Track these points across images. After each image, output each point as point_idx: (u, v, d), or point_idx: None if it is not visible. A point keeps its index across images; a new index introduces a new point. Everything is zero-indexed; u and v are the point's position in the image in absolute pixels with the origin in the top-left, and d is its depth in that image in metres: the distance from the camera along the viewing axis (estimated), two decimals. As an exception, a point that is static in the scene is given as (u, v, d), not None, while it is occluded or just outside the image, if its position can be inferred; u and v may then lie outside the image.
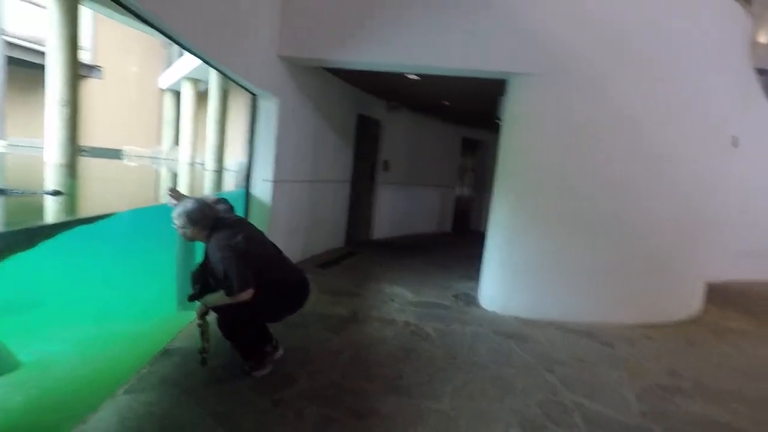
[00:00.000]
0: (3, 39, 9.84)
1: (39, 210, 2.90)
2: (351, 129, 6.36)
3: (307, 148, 5.26)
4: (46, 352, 3.39)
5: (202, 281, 2.62)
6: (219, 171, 8.50)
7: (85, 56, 12.25)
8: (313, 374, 2.71)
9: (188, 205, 2.50)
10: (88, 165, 8.44)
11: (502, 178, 4.28)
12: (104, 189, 5.00)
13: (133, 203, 4.18)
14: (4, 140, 9.99)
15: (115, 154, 12.98)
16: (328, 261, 5.53)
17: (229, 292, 2.35)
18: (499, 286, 4.24)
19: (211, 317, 2.58)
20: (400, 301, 4.30)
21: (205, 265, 2.60)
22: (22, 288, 3.93)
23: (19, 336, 3.40)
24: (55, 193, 3.02)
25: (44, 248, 2.97)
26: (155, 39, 12.20)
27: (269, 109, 4.55)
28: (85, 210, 3.30)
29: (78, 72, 5.60)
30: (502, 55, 3.96)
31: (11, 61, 9.85)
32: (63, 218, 2.86)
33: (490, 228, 4.38)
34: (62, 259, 4.04)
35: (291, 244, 5.01)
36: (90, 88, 12.47)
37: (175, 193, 2.80)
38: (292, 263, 2.86)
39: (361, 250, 6.42)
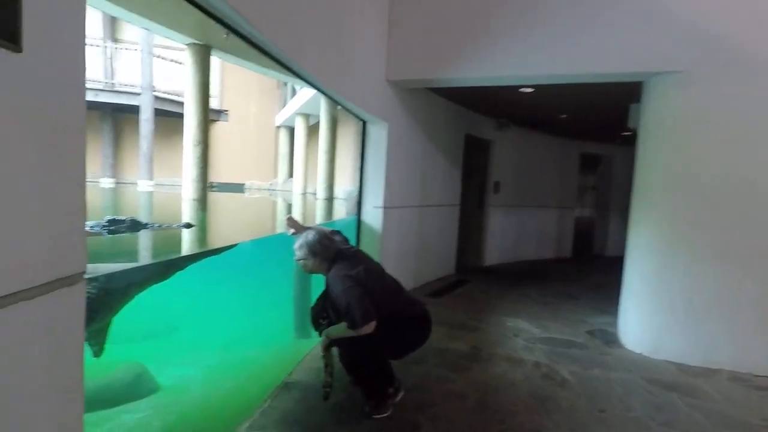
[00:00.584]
0: (153, 95, 11.52)
1: (175, 242, 3.12)
2: (459, 150, 6.11)
3: (416, 172, 5.12)
4: (181, 377, 3.58)
5: (324, 314, 2.54)
6: (329, 199, 8.78)
7: (214, 102, 13.86)
8: (435, 421, 2.42)
9: (309, 236, 2.45)
10: (216, 199, 9.32)
11: (642, 195, 3.66)
12: (229, 220, 5.41)
13: (254, 233, 4.40)
14: (152, 180, 11.52)
15: (238, 188, 14.25)
16: (439, 290, 5.26)
17: (351, 325, 2.21)
18: (648, 323, 3.56)
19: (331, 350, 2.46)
20: (526, 336, 3.84)
21: (325, 297, 2.51)
22: (161, 314, 4.26)
23: (158, 360, 3.63)
24: (187, 226, 3.25)
25: (183, 276, 3.15)
26: (272, 80, 13.34)
27: (378, 135, 4.51)
28: (212, 241, 3.53)
29: (208, 115, 6.18)
30: (640, 53, 3.43)
31: (157, 113, 11.47)
32: (194, 250, 3.03)
33: (630, 253, 3.75)
34: (192, 286, 4.32)
35: (402, 272, 4.84)
36: (218, 130, 14.01)
37: (292, 222, 2.79)
38: (412, 295, 2.65)
39: (473, 278, 6.03)
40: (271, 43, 2.30)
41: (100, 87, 11.53)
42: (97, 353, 2.58)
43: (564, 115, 6.14)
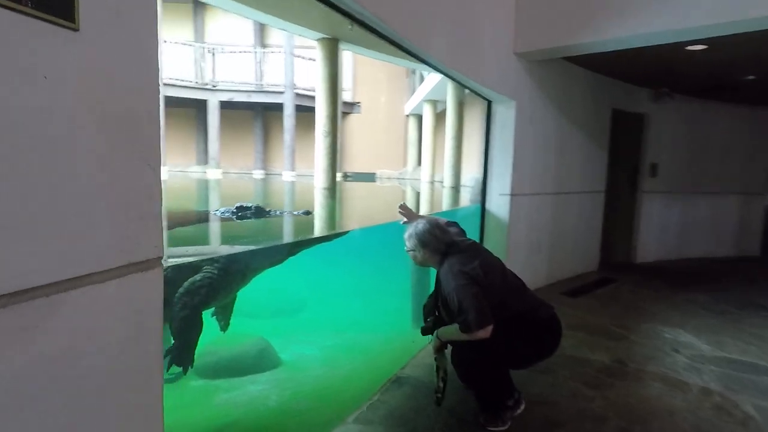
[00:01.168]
0: (293, 92, 12.51)
1: (292, 229, 3.23)
2: (604, 128, 5.28)
3: (550, 156, 4.55)
4: (301, 355, 3.74)
5: (435, 312, 2.33)
6: (456, 187, 8.49)
7: (346, 95, 14.50)
8: (565, 446, 2.04)
9: (419, 226, 2.26)
10: (348, 188, 9.74)
11: None
12: (353, 208, 5.57)
13: (373, 221, 4.43)
14: (294, 171, 12.58)
15: (370, 177, 14.77)
16: (577, 288, 4.62)
17: (464, 328, 1.96)
18: None
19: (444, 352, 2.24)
20: (691, 353, 3.11)
21: (436, 294, 2.30)
22: (291, 294, 4.51)
23: (283, 337, 3.84)
24: (306, 213, 3.34)
25: (306, 258, 3.27)
26: (400, 69, 13.45)
27: (505, 114, 4.09)
28: (327, 228, 3.60)
29: (338, 106, 6.39)
30: None
31: (298, 108, 12.44)
32: (306, 236, 3.10)
33: None
34: (318, 269, 4.48)
35: (532, 267, 4.37)
36: (351, 122, 14.67)
37: (406, 210, 2.62)
38: (538, 296, 2.28)
39: (621, 277, 5.19)
40: (391, 29, 2.23)
41: (252, 89, 12.96)
42: (224, 328, 2.78)
43: (752, 77, 4.85)
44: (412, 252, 2.31)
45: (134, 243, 0.96)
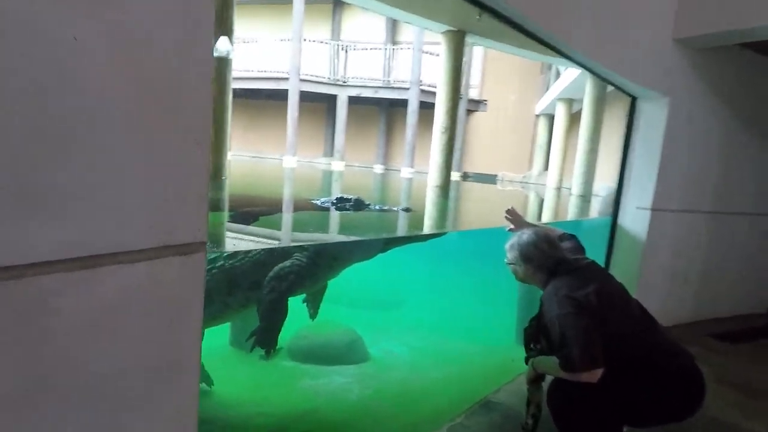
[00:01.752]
0: (419, 89, 12.50)
1: (387, 224, 3.10)
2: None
3: (711, 165, 3.71)
4: (389, 352, 3.62)
5: (537, 340, 1.98)
6: (585, 196, 7.61)
7: (473, 92, 14.03)
8: None
9: (524, 236, 1.94)
10: (465, 188, 9.40)
11: None
12: (462, 209, 5.26)
13: (479, 224, 4.11)
14: (413, 168, 12.60)
15: (490, 179, 14.16)
16: (735, 332, 3.71)
17: (566, 365, 1.60)
18: None
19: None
20: None
21: (539, 318, 1.96)
22: (390, 288, 4.43)
23: (375, 331, 3.76)
24: (406, 210, 3.18)
25: (409, 255, 3.15)
26: (534, 65, 12.57)
27: (654, 113, 3.42)
28: (426, 227, 3.41)
29: (457, 102, 6.13)
30: None
31: (422, 105, 12.40)
32: (398, 233, 2.95)
33: None
34: (421, 267, 4.33)
35: (673, 298, 3.63)
36: (476, 120, 14.17)
37: (513, 216, 2.30)
38: (673, 339, 1.79)
39: (801, 325, 4.05)
40: (525, 15, 2.05)
41: (379, 84, 13.29)
42: (312, 316, 2.79)
43: None
44: (512, 265, 1.99)
45: (172, 225, 0.87)
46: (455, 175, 13.90)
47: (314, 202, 3.22)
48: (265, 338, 2.29)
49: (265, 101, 16.04)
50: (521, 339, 2.15)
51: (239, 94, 14.59)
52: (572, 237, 2.21)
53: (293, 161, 13.14)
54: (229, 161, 13.22)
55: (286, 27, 13.08)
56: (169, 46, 0.81)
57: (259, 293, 2.24)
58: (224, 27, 4.28)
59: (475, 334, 4.03)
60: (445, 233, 2.79)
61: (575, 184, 8.16)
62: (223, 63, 4.34)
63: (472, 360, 3.58)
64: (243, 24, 15.96)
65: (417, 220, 3.28)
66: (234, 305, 2.39)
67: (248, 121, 16.71)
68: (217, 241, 2.30)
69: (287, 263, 2.23)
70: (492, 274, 3.81)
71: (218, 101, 4.33)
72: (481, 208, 5.53)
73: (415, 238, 2.70)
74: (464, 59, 13.42)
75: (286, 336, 3.71)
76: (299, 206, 3.40)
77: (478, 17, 5.71)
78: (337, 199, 3.05)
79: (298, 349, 3.53)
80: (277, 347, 2.61)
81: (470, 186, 10.76)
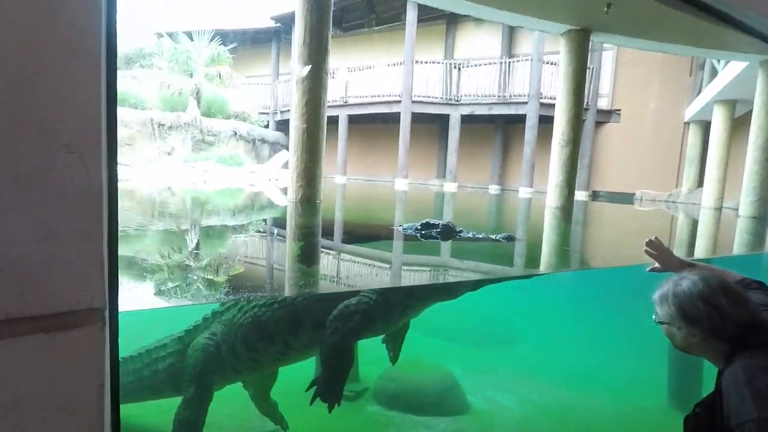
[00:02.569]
0: (538, 102, 11.53)
1: (481, 256, 2.55)
2: None
3: None
4: (495, 404, 2.99)
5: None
6: (761, 218, 6.01)
7: (603, 102, 12.50)
8: None
9: (684, 284, 1.29)
10: (594, 209, 8.17)
11: None
12: (592, 236, 4.34)
13: (613, 260, 3.23)
14: (531, 188, 11.56)
15: (626, 198, 12.40)
16: None
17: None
18: None
19: None
20: None
21: (713, 405, 1.26)
22: (502, 323, 3.80)
23: (478, 374, 3.19)
24: (508, 239, 2.59)
25: (529, 287, 2.61)
26: (681, 65, 10.75)
27: None
28: (538, 259, 2.75)
29: (581, 109, 5.30)
30: None
31: (542, 120, 11.38)
32: (496, 271, 2.37)
33: None
34: (543, 302, 3.66)
35: None
36: (607, 133, 12.57)
37: (659, 251, 1.62)
38: None
39: None
40: None
41: (494, 100, 12.58)
42: (393, 360, 2.38)
43: None
44: (666, 326, 1.34)
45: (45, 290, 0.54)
46: (581, 195, 12.40)
47: (398, 228, 2.82)
48: (328, 389, 1.93)
49: (379, 125, 16.42)
50: (689, 383, 1.43)
51: (354, 120, 15.14)
52: (761, 285, 1.46)
53: (404, 184, 13.04)
54: (343, 185, 13.70)
55: (400, 51, 13.24)
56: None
57: (323, 334, 1.91)
58: (318, 57, 4.21)
59: (609, 390, 3.19)
60: (541, 274, 2.16)
61: (744, 203, 6.50)
62: (319, 90, 4.26)
63: (606, 423, 2.80)
64: (358, 52, 16.70)
65: (522, 252, 2.66)
66: (297, 346, 2.10)
67: (363, 145, 17.25)
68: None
69: (353, 301, 1.86)
70: (635, 316, 2.99)
71: (313, 127, 4.26)
72: (618, 235, 4.51)
73: (502, 278, 2.15)
74: (591, 66, 12.14)
75: (373, 374, 3.31)
76: (381, 233, 3.02)
77: (606, 10, 4.89)
78: (422, 225, 2.62)
79: (384, 392, 3.11)
80: (360, 390, 2.21)
81: (600, 207, 9.36)
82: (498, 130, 13.93)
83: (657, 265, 1.61)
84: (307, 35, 4.16)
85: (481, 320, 4.00)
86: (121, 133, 13.27)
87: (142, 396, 2.58)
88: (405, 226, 2.67)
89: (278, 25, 16.54)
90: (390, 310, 1.90)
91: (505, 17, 5.28)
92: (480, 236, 2.60)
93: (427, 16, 14.92)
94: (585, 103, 11.99)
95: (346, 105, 14.53)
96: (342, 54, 17.05)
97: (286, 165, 13.56)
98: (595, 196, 12.89)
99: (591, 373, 3.44)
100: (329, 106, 15.14)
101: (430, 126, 15.21)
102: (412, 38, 12.84)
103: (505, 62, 12.39)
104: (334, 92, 15.05)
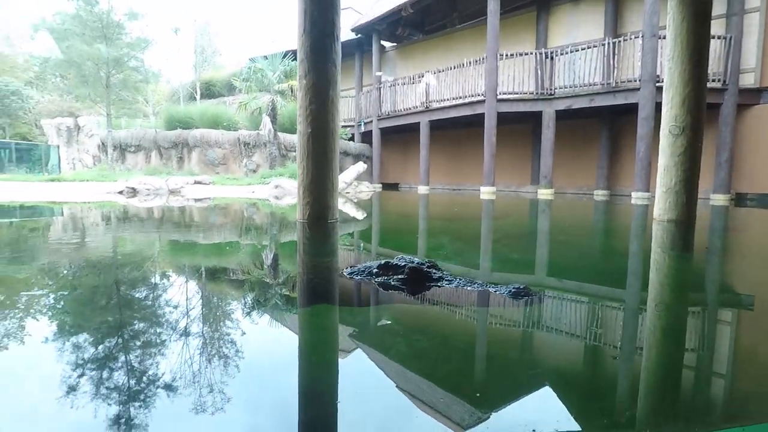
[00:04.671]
0: (654, 86, 9.40)
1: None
2: None
3: None
4: None
5: None
6: None
7: (747, 79, 9.82)
8: None
9: None
10: (740, 219, 6.06)
11: None
12: (745, 275, 2.66)
13: None
14: (648, 192, 9.44)
15: (788, 201, 9.59)
16: None
17: None
18: None
19: None
20: None
21: None
22: None
23: None
24: (520, 294, 1.45)
25: None
26: None
27: None
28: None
29: (702, 83, 3.74)
30: None
31: (659, 108, 9.23)
32: None
33: None
34: None
35: None
36: (754, 117, 9.83)
37: None
38: None
39: None
40: None
41: (597, 90, 10.58)
42: None
43: None
44: None
45: None
46: (720, 199, 9.80)
47: (345, 272, 1.85)
48: None
49: (463, 130, 15.17)
50: None
51: (436, 125, 14.15)
52: None
53: (490, 192, 11.66)
54: (427, 194, 12.71)
55: (485, 47, 11.99)
56: None
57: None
58: (323, 42, 3.42)
59: None
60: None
61: None
62: (326, 84, 3.46)
63: None
64: (441, 54, 15.71)
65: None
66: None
67: (447, 152, 16.12)
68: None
69: None
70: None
71: (321, 130, 3.47)
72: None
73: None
74: (729, 34, 9.58)
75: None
76: (318, 282, 2.01)
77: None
78: (380, 266, 1.64)
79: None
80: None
81: (750, 215, 7.00)
82: (603, 125, 11.82)
83: None
84: (307, 20, 3.41)
85: None
86: (216, 153, 14.03)
87: None
88: (358, 268, 1.72)
89: (359, 36, 16.34)
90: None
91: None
92: (471, 286, 1.53)
93: (515, 5, 13.44)
94: (722, 81, 9.49)
95: (427, 110, 13.62)
96: (424, 57, 16.23)
97: (360, 177, 13.08)
98: (739, 200, 10.13)
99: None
100: (409, 113, 14.49)
101: (521, 126, 13.58)
102: (495, 30, 11.50)
103: (610, 43, 10.40)
104: (414, 98, 14.27)
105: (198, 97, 17.92)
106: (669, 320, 1.50)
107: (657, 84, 9.27)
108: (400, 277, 1.63)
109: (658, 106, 9.46)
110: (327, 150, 3.47)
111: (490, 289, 1.58)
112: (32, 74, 29.01)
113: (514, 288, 1.55)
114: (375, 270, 1.68)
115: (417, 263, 1.66)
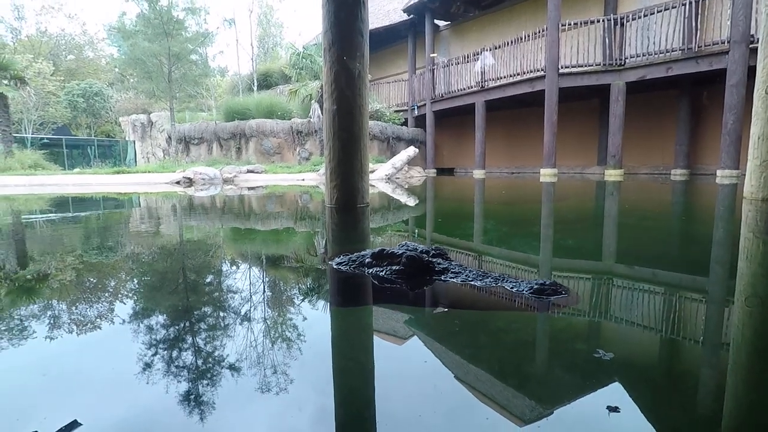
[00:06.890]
0: (747, 48, 8.20)
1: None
2: None
3: None
4: None
5: None
6: None
7: None
8: None
9: None
10: None
11: None
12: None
13: None
14: (736, 170, 8.27)
15: None
16: None
17: None
18: None
19: None
20: None
21: None
22: None
23: None
24: (544, 292, 1.07)
25: None
26: None
27: None
28: None
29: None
30: None
31: (751, 72, 7.98)
32: None
33: None
34: None
35: None
36: None
37: None
38: None
39: None
40: None
41: (676, 56, 9.38)
42: None
43: None
44: None
45: None
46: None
47: (333, 262, 1.57)
48: None
49: (521, 109, 14.26)
50: None
51: (492, 106, 13.40)
52: None
53: (551, 174, 10.87)
54: (483, 179, 12.09)
55: (545, 19, 11.11)
56: None
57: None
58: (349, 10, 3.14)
59: None
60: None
61: None
62: (351, 60, 3.19)
63: None
64: (499, 29, 14.81)
65: None
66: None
67: (504, 134, 15.28)
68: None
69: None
70: None
71: (347, 108, 3.21)
72: None
73: None
74: None
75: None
76: (292, 271, 1.74)
77: None
78: (373, 255, 1.36)
79: None
80: None
81: None
82: (683, 98, 10.53)
83: None
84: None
85: None
86: (272, 142, 14.31)
87: None
88: (350, 257, 1.44)
89: (411, 16, 15.80)
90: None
91: None
92: (482, 280, 1.20)
93: (580, -32, 12.30)
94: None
95: (482, 90, 12.93)
96: (480, 35, 15.42)
97: (412, 162, 12.71)
98: None
99: None
100: (464, 93, 13.83)
101: (586, 103, 12.51)
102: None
103: (693, 1, 9.16)
104: (470, 78, 13.60)
105: (255, 87, 18.41)
106: (763, 316, 1.12)
107: (752, 46, 8.03)
108: (395, 268, 1.35)
109: (750, 72, 8.22)
110: (354, 128, 3.23)
111: (507, 285, 1.24)
112: (111, 75, 31.48)
113: (537, 284, 1.21)
114: (368, 260, 1.41)
115: (419, 251, 1.37)
